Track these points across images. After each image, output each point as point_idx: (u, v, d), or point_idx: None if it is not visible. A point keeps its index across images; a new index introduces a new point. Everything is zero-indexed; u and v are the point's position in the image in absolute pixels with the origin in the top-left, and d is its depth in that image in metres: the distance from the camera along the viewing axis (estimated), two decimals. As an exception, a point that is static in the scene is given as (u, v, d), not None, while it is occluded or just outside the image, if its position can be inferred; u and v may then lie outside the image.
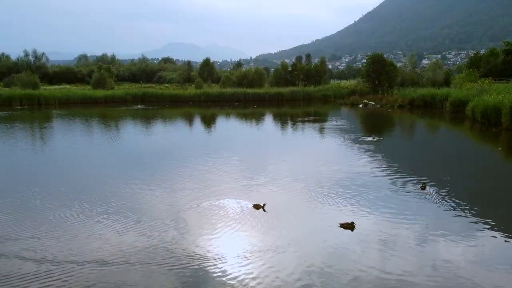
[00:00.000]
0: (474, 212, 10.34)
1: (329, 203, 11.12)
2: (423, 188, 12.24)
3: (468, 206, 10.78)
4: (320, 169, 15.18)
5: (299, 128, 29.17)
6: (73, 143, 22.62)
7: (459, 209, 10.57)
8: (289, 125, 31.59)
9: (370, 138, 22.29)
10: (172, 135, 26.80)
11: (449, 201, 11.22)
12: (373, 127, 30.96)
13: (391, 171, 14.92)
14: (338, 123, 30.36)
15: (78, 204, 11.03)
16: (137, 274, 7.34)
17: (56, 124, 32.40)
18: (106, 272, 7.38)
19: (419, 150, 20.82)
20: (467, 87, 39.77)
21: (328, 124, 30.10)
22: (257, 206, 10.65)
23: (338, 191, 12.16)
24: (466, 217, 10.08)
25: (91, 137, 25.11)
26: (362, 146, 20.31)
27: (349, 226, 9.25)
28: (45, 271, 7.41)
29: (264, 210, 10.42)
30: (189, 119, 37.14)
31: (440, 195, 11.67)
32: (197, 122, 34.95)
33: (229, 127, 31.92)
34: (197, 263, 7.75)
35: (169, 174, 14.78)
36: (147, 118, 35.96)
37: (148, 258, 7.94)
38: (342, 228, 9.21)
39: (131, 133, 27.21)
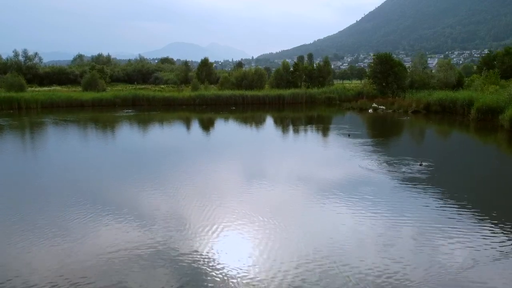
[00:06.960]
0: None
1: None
2: None
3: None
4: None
5: (303, 142, 25.05)
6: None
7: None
8: (291, 137, 27.40)
9: (417, 165, 16.22)
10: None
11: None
12: (399, 143, 24.24)
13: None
14: (352, 135, 24.83)
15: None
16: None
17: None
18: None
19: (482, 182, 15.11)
20: (489, 90, 35.62)
21: (341, 140, 23.40)
22: None
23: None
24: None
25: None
26: (415, 186, 13.37)
27: None
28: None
29: None
30: (176, 128, 33.00)
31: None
32: (185, 133, 30.80)
33: (217, 142, 27.85)
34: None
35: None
36: (129, 125, 31.83)
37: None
38: None
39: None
